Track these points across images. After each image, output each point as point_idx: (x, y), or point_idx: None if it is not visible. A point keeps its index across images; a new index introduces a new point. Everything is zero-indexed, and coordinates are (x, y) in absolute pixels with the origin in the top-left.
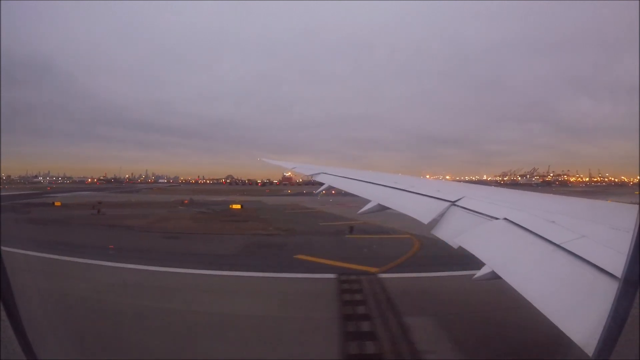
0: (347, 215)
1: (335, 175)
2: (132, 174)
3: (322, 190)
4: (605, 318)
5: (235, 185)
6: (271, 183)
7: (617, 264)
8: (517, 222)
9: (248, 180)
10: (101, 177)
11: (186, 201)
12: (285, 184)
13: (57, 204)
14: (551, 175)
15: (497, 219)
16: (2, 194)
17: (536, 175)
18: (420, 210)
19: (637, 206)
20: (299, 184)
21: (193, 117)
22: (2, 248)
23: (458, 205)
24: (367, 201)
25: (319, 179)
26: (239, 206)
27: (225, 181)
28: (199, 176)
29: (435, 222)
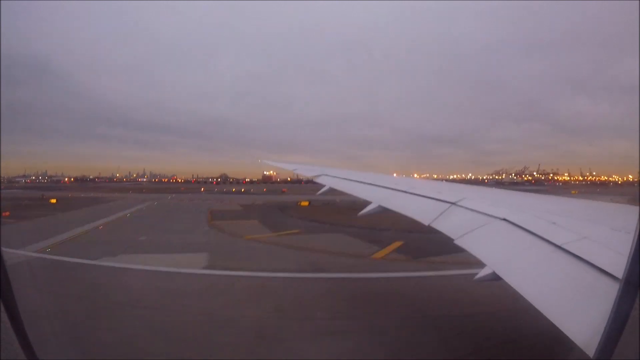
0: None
1: (336, 177)
2: (129, 172)
3: (323, 191)
4: (606, 319)
5: (225, 184)
6: (245, 182)
7: (618, 265)
8: (518, 223)
9: (217, 177)
10: (90, 176)
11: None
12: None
13: None
14: (537, 173)
15: (497, 219)
16: None
17: (525, 174)
18: (421, 212)
19: (638, 207)
20: (282, 182)
21: (191, 116)
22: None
23: (459, 206)
24: (368, 203)
25: (320, 180)
26: (54, 200)
27: (195, 180)
28: (192, 175)
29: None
